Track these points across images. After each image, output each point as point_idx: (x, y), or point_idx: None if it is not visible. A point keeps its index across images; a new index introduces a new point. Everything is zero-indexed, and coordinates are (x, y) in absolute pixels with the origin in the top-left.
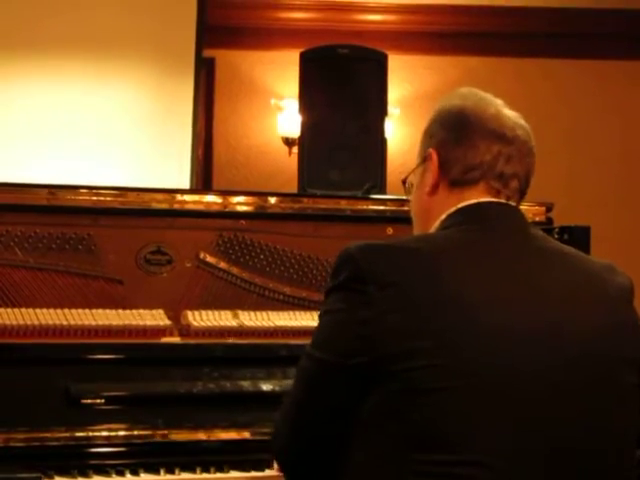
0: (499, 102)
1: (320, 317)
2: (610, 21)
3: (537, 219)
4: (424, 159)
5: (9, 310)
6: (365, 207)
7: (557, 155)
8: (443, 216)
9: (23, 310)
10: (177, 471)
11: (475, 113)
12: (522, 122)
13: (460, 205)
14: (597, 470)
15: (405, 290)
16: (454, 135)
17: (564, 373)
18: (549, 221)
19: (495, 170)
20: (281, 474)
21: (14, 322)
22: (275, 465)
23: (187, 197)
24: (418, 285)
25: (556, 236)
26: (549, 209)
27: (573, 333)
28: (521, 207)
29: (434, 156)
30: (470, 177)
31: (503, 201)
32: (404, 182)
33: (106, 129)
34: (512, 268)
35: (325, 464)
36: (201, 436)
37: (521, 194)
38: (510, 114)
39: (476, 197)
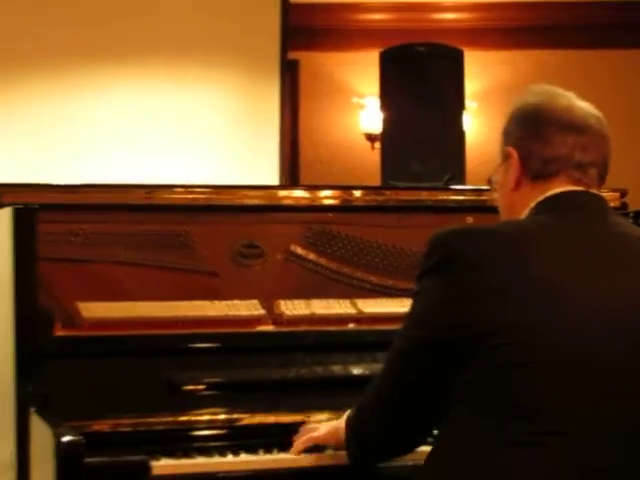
0: (570, 95)
1: (413, 298)
2: None
3: (612, 205)
4: (505, 158)
5: (113, 304)
6: (445, 197)
7: (626, 143)
8: (532, 204)
9: (126, 303)
10: (275, 451)
11: (547, 108)
12: (594, 111)
13: (548, 194)
14: None
15: (493, 271)
16: (530, 132)
17: None
18: (624, 206)
19: (573, 161)
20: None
21: (118, 315)
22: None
23: (277, 193)
24: (505, 266)
25: (631, 220)
26: (623, 195)
27: None
28: None
29: (514, 154)
30: (549, 169)
31: (586, 189)
32: (489, 181)
33: (198, 130)
34: (593, 251)
35: (414, 439)
36: (297, 418)
37: (600, 180)
38: (582, 104)
39: (559, 187)
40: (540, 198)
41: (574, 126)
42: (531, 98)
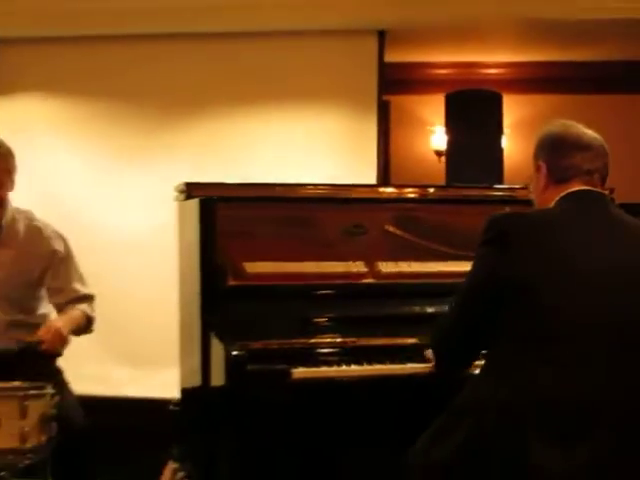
0: (580, 125)
1: (474, 261)
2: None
3: None
4: (537, 170)
5: (267, 263)
6: (490, 193)
7: (613, 159)
8: (557, 198)
9: (276, 263)
10: (374, 363)
11: (564, 134)
12: (597, 136)
13: (566, 192)
14: None
15: (530, 242)
16: (553, 150)
17: (634, 304)
18: (611, 200)
19: (582, 168)
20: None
21: (270, 271)
22: (429, 356)
23: (376, 189)
24: (538, 239)
25: None
26: (611, 192)
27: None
28: None
29: (543, 167)
30: (567, 175)
31: (593, 188)
32: (528, 187)
33: (323, 150)
34: (599, 230)
35: (472, 353)
36: (390, 342)
37: (603, 181)
38: (588, 131)
39: (574, 187)
40: (562, 194)
41: (582, 146)
42: (553, 128)
